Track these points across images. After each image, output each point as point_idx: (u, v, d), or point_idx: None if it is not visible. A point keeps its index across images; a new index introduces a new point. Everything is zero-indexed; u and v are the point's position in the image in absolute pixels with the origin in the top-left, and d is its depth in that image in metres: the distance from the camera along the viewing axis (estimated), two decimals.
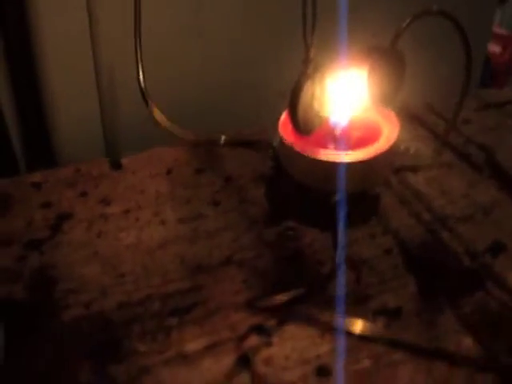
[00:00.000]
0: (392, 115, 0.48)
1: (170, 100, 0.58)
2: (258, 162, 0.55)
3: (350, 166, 0.44)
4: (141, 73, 0.52)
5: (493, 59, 1.53)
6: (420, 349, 0.39)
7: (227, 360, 0.38)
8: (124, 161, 0.54)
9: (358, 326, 0.40)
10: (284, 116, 0.47)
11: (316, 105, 0.44)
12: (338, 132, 0.47)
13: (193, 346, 0.39)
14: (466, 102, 0.65)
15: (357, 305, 0.42)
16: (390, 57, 0.46)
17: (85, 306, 0.41)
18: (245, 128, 0.58)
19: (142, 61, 0.51)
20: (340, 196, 0.45)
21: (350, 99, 0.46)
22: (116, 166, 0.54)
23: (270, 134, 0.49)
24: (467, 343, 0.40)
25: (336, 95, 0.46)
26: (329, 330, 0.40)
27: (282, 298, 0.41)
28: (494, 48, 1.56)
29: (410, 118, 0.62)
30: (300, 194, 0.48)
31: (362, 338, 0.40)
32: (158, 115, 0.53)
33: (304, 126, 0.44)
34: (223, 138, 0.57)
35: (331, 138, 0.47)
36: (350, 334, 0.40)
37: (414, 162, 0.55)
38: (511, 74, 1.59)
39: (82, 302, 0.41)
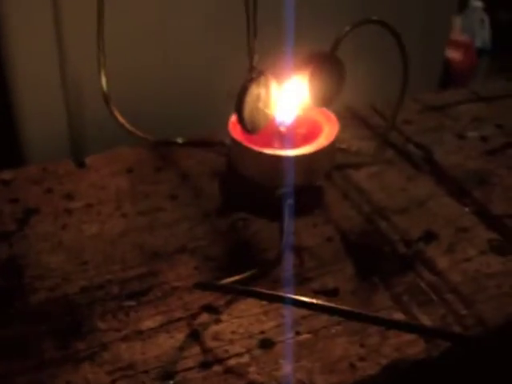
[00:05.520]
0: (332, 116, 0.53)
1: (131, 101, 0.63)
2: (213, 160, 0.59)
3: (294, 159, 0.49)
4: (103, 80, 0.56)
5: (453, 65, 1.58)
6: (354, 314, 0.43)
7: (179, 336, 0.42)
8: (87, 160, 0.58)
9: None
10: (233, 116, 0.51)
11: (261, 105, 0.48)
12: (282, 131, 0.51)
13: (148, 324, 0.43)
14: (409, 104, 0.70)
15: (299, 286, 0.46)
16: (329, 62, 0.51)
17: (50, 290, 0.45)
18: (202, 129, 0.62)
19: (104, 68, 0.56)
20: (285, 189, 0.49)
21: (293, 101, 0.51)
22: (80, 164, 0.58)
23: (225, 134, 0.53)
24: (398, 317, 0.44)
25: (280, 97, 0.50)
26: (272, 308, 0.44)
27: (230, 280, 0.45)
28: (455, 54, 1.60)
29: (355, 119, 0.66)
30: (249, 188, 0.52)
31: (303, 311, 0.44)
32: (120, 118, 0.57)
33: (250, 124, 0.48)
34: (181, 139, 0.61)
35: (277, 136, 0.52)
36: (293, 309, 0.44)
37: (356, 159, 0.60)
38: (471, 79, 1.64)
39: (47, 287, 0.45)
